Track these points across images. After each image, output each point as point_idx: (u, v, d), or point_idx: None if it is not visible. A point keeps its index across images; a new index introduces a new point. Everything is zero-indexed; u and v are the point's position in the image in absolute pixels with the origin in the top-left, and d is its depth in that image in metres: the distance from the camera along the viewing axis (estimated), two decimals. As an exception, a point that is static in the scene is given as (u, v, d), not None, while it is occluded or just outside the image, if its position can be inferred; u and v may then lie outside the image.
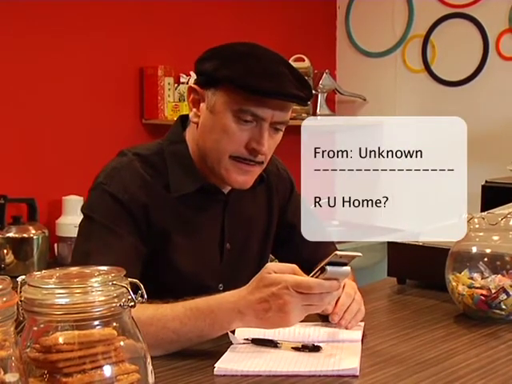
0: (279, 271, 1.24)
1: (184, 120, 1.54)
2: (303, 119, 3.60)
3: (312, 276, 1.23)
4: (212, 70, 1.40)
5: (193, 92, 1.45)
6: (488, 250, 1.54)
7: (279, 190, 1.65)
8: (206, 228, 1.51)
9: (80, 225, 1.46)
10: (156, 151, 1.49)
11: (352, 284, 1.45)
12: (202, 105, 1.44)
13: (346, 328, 1.37)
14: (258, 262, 1.61)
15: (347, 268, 1.24)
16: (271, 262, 1.76)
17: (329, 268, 1.21)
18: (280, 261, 1.78)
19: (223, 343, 1.31)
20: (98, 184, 1.45)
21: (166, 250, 1.45)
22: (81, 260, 1.36)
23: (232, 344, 1.31)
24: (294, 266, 1.26)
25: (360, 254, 1.25)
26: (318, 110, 3.72)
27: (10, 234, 2.64)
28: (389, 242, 1.93)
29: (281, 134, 1.46)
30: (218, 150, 1.42)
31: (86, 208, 1.45)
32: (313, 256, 1.58)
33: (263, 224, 1.62)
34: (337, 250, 1.70)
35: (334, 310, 1.38)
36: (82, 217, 1.47)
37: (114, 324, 0.93)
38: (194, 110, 1.45)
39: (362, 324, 1.42)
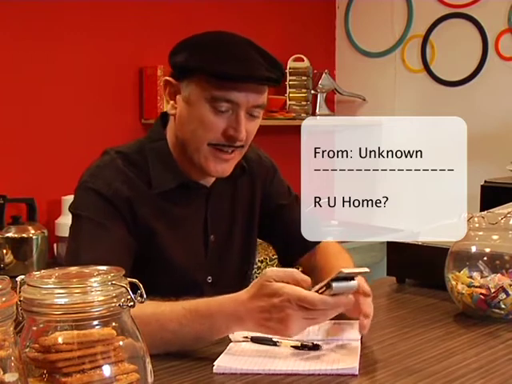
0: (279, 279, 1.21)
1: (165, 117, 1.56)
2: (303, 119, 3.60)
3: (317, 291, 1.20)
4: (183, 62, 1.43)
5: (168, 85, 1.48)
6: (487, 249, 1.54)
7: (261, 175, 1.66)
8: (189, 222, 1.53)
9: (70, 225, 1.48)
10: (136, 150, 1.52)
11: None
12: (178, 97, 1.46)
13: (363, 332, 1.31)
14: (243, 253, 1.63)
15: (354, 282, 1.21)
16: (263, 262, 1.76)
17: (334, 284, 1.18)
18: (273, 245, 1.77)
19: (222, 341, 1.31)
20: (82, 183, 1.48)
21: (152, 245, 1.47)
22: (72, 258, 1.39)
23: (231, 342, 1.31)
24: (293, 270, 1.24)
25: (367, 269, 1.23)
26: (317, 110, 3.73)
27: (10, 234, 2.64)
28: (388, 242, 1.93)
29: (259, 119, 1.48)
30: (196, 139, 1.44)
31: (73, 207, 1.48)
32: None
33: (246, 214, 1.63)
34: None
35: (363, 322, 1.31)
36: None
37: (114, 324, 0.93)
38: (172, 102, 1.48)
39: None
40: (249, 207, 1.64)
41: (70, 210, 1.48)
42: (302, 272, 1.64)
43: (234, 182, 1.59)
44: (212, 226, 1.56)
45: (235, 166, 1.52)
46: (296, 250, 1.67)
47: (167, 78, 1.48)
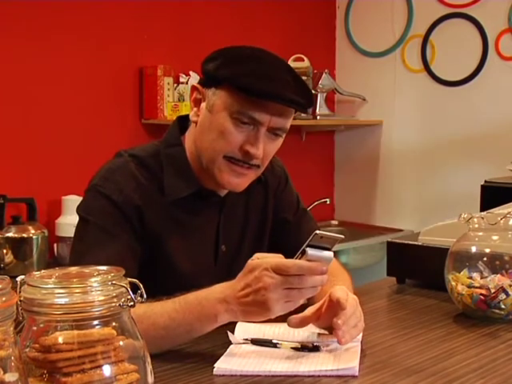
0: (262, 257, 1.23)
1: (181, 122, 1.54)
2: (303, 119, 3.60)
3: (295, 258, 1.21)
4: (213, 70, 1.40)
5: (195, 91, 1.46)
6: (487, 250, 1.54)
7: (273, 185, 1.65)
8: (200, 231, 1.51)
9: (76, 226, 1.46)
10: (152, 153, 1.49)
11: (355, 300, 1.34)
12: (202, 104, 1.44)
13: (340, 343, 1.26)
14: None
15: (329, 253, 1.20)
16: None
17: (309, 250, 1.18)
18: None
19: (222, 343, 1.31)
20: (92, 186, 1.45)
21: (161, 252, 1.46)
22: (76, 261, 1.37)
23: (231, 344, 1.31)
24: (280, 255, 1.25)
25: (342, 236, 1.21)
26: (317, 110, 3.72)
27: (10, 234, 2.64)
28: (388, 242, 1.93)
29: (280, 140, 1.46)
30: (213, 149, 1.41)
31: (81, 209, 1.46)
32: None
33: (258, 223, 1.61)
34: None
35: (338, 333, 1.26)
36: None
37: (114, 324, 0.93)
38: (195, 109, 1.46)
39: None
40: (261, 217, 1.62)
41: (77, 211, 1.46)
42: None
43: (248, 191, 1.55)
44: (224, 236, 1.54)
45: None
46: None
47: (195, 84, 1.46)
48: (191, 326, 1.26)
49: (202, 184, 1.49)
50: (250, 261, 1.24)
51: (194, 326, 1.26)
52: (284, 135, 1.45)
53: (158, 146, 1.51)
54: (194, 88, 1.46)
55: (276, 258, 1.21)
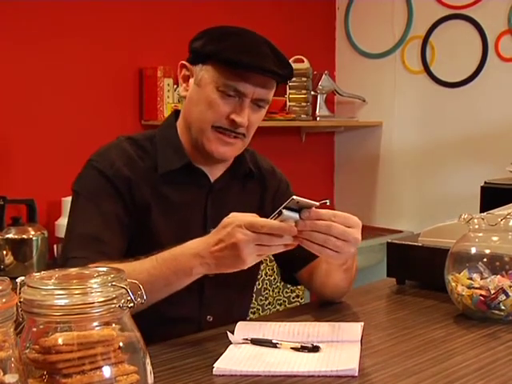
0: (235, 216, 1.29)
1: (177, 112, 1.64)
2: (303, 120, 3.61)
3: (270, 218, 1.27)
4: (200, 47, 1.51)
5: (184, 68, 1.56)
6: (487, 251, 1.54)
7: (273, 186, 1.70)
8: (187, 209, 1.57)
9: (70, 202, 1.53)
10: (148, 137, 1.60)
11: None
12: (190, 80, 1.54)
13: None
14: None
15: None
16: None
17: (284, 211, 1.26)
18: (273, 257, 1.77)
19: (222, 343, 1.31)
20: (88, 161, 1.54)
21: (148, 226, 1.51)
22: (67, 232, 1.47)
23: (231, 344, 1.31)
24: (254, 214, 1.31)
25: (317, 203, 1.29)
26: (317, 111, 3.73)
27: (10, 235, 2.64)
28: (388, 243, 1.93)
29: (263, 111, 1.55)
30: (202, 120, 1.51)
31: (75, 183, 1.54)
32: None
33: None
34: None
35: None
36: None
37: (114, 325, 0.93)
38: (184, 85, 1.57)
39: (362, 324, 1.42)
40: (257, 211, 1.63)
41: (71, 187, 1.54)
42: (304, 280, 1.66)
43: (241, 182, 1.64)
44: (212, 219, 1.57)
45: (241, 162, 1.61)
46: (297, 263, 1.66)
47: (183, 61, 1.56)
48: (168, 280, 1.33)
49: (191, 160, 1.56)
50: (225, 218, 1.30)
51: (170, 279, 1.33)
52: (267, 107, 1.55)
53: (154, 131, 1.62)
54: (182, 65, 1.56)
55: (249, 217, 1.28)
